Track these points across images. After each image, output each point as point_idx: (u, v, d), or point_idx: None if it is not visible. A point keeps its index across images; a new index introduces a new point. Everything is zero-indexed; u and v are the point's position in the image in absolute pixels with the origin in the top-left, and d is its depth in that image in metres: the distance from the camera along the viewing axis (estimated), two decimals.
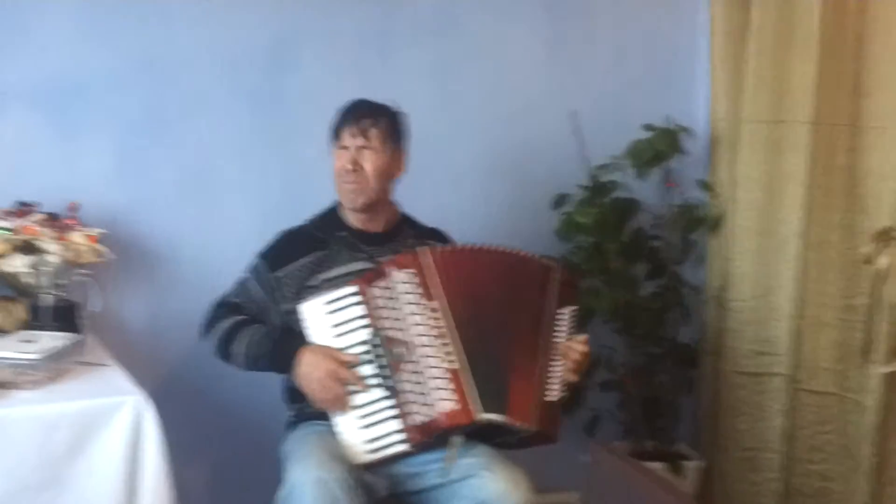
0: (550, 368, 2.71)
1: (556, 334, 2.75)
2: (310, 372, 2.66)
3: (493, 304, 2.74)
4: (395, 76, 3.53)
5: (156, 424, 2.40)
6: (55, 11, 3.13)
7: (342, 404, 2.65)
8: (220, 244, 3.32)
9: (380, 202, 2.92)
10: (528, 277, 2.81)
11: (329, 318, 2.69)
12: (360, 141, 2.85)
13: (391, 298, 2.67)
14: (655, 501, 2.12)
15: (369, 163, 2.85)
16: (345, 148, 2.86)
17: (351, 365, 2.65)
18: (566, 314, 2.78)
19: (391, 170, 2.90)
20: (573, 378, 2.74)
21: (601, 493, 2.32)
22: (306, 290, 2.79)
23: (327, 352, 2.67)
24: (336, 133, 2.90)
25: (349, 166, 2.84)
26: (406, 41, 3.57)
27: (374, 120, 2.88)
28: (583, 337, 2.78)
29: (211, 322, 2.87)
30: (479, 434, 2.68)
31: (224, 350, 2.82)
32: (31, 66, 3.12)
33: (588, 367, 2.80)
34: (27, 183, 3.06)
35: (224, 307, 2.89)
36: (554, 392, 2.69)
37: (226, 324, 2.83)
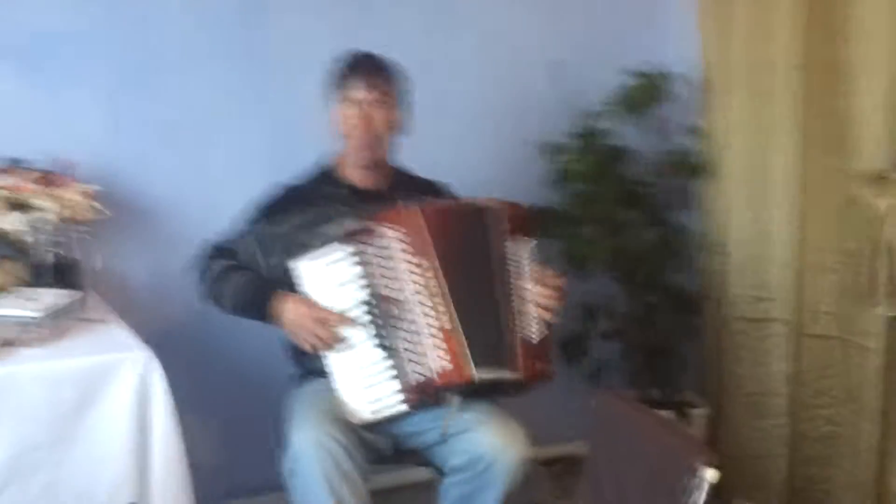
0: (523, 309, 2.69)
1: (517, 272, 2.71)
2: (294, 319, 2.66)
3: (470, 258, 2.71)
4: (376, 23, 3.50)
5: (162, 379, 2.39)
6: None
7: (331, 346, 2.64)
8: (216, 197, 3.28)
9: (383, 159, 2.89)
10: (477, 223, 2.74)
11: (325, 277, 2.66)
12: (374, 95, 2.81)
13: (384, 256, 2.64)
14: (662, 444, 2.11)
15: (383, 118, 2.82)
16: (353, 101, 2.81)
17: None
18: (515, 251, 2.74)
19: (400, 127, 2.88)
20: (548, 316, 2.71)
21: (608, 439, 2.31)
22: (300, 247, 2.74)
23: (309, 300, 2.66)
24: (342, 84, 2.84)
25: (361, 121, 2.80)
26: None
27: (389, 75, 2.85)
28: (549, 271, 2.75)
29: (201, 264, 2.86)
30: (477, 389, 2.66)
31: (211, 293, 2.82)
32: (10, 23, 3.09)
33: (563, 301, 2.77)
34: (20, 141, 3.01)
35: (216, 249, 2.87)
36: (534, 332, 2.68)
37: (216, 266, 2.82)
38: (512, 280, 2.70)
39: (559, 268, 2.81)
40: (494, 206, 2.75)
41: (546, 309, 2.71)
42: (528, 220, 2.81)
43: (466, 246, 2.71)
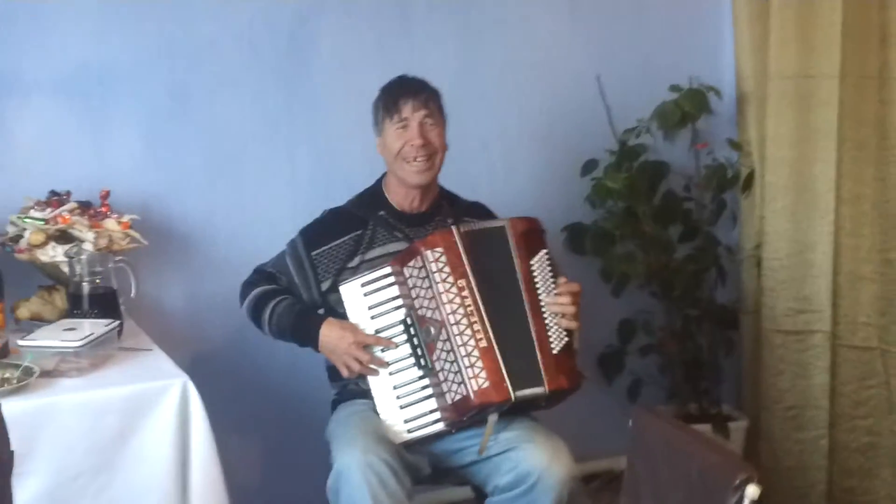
0: (548, 322, 2.68)
1: (537, 286, 2.70)
2: (333, 345, 2.69)
3: (499, 276, 2.70)
4: (417, 48, 3.50)
5: (201, 407, 2.40)
6: (76, 2, 3.11)
7: (370, 370, 2.67)
8: (252, 224, 3.32)
9: (434, 180, 2.90)
10: (498, 243, 2.73)
11: (365, 300, 2.70)
12: (423, 112, 2.80)
13: (423, 278, 2.65)
14: (702, 462, 2.09)
15: (435, 136, 2.82)
16: (405, 121, 2.80)
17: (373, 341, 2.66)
18: (538, 263, 2.73)
19: (446, 148, 2.88)
20: (569, 324, 2.69)
21: (646, 457, 2.29)
22: (346, 271, 2.79)
23: (346, 324, 2.70)
24: (392, 107, 2.82)
25: (419, 140, 2.79)
26: (427, 11, 3.53)
27: (430, 93, 2.85)
28: (561, 279, 2.73)
29: (246, 287, 2.88)
30: (513, 407, 2.66)
31: (254, 317, 2.84)
32: (54, 57, 3.11)
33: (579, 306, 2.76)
34: (58, 172, 3.06)
35: (259, 274, 2.89)
36: (559, 343, 2.66)
37: (258, 290, 2.84)
38: (535, 294, 2.70)
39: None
40: (510, 223, 2.76)
41: (565, 316, 2.70)
42: (538, 232, 2.81)
43: (495, 264, 2.71)
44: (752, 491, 1.88)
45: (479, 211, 3.01)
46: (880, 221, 3.46)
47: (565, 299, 2.70)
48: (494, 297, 2.65)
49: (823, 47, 3.54)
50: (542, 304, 2.69)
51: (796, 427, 3.64)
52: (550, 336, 2.66)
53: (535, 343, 2.64)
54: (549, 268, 2.74)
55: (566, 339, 2.68)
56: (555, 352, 2.65)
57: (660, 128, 3.69)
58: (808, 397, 3.60)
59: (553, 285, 2.71)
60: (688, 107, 3.65)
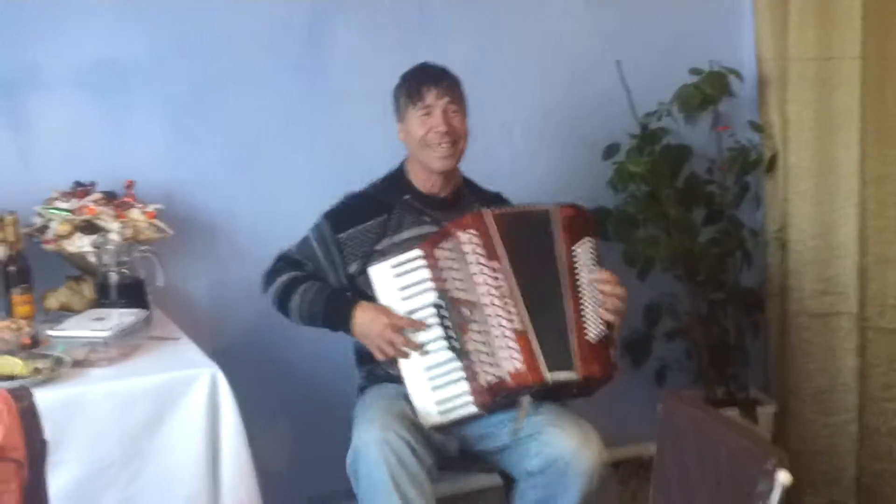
0: (582, 310, 2.68)
1: (576, 274, 2.71)
2: (367, 328, 2.68)
3: (537, 261, 2.71)
4: (436, 38, 3.49)
5: (231, 395, 2.41)
6: None
7: (404, 353, 2.66)
8: (274, 213, 3.31)
9: (456, 166, 2.90)
10: (540, 228, 2.75)
11: (396, 282, 2.69)
12: (446, 99, 2.81)
13: (456, 259, 2.66)
14: (732, 447, 2.09)
15: (458, 122, 2.84)
16: (428, 108, 2.81)
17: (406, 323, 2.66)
18: (580, 252, 2.73)
19: (467, 134, 2.88)
20: (610, 317, 2.70)
21: (675, 443, 2.29)
22: (374, 253, 2.80)
23: (380, 307, 2.69)
24: (415, 94, 2.83)
25: (443, 127, 2.80)
26: (444, 2, 3.52)
27: (452, 80, 2.86)
28: (606, 272, 2.74)
29: (270, 275, 2.88)
30: (546, 391, 2.66)
31: (281, 305, 2.83)
32: (75, 51, 3.11)
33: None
34: (81, 165, 3.06)
35: (284, 261, 2.89)
36: (593, 332, 2.66)
37: (284, 277, 2.84)
38: (576, 282, 2.70)
39: (619, 269, 2.80)
40: (557, 209, 2.77)
41: (608, 310, 2.70)
42: (588, 222, 2.82)
43: (534, 249, 2.72)
44: (783, 477, 1.86)
45: (501, 200, 3.01)
46: None
47: (610, 289, 2.70)
48: (530, 279, 2.66)
49: (844, 29, 3.53)
50: (584, 292, 2.69)
51: (825, 411, 3.64)
52: (586, 323, 2.66)
53: (570, 328, 2.64)
54: (592, 255, 2.74)
55: (604, 328, 2.68)
56: (589, 339, 2.65)
57: (681, 111, 3.66)
58: (837, 380, 3.59)
59: (598, 276, 2.72)
60: (709, 90, 3.63)
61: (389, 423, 2.53)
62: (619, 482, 3.70)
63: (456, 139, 2.82)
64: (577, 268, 2.71)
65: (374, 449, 2.48)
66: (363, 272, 2.76)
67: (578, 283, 2.70)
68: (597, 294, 2.70)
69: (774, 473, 1.88)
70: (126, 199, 2.97)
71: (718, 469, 2.06)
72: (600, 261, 2.76)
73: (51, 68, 3.09)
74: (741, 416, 3.58)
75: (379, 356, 2.70)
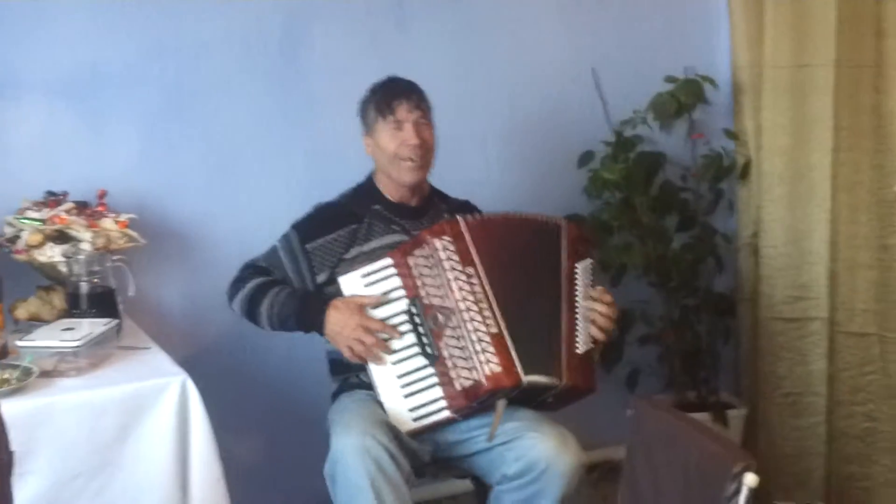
0: (576, 323, 2.71)
1: (575, 289, 2.74)
2: (339, 330, 2.67)
3: (521, 267, 2.73)
4: (411, 46, 3.50)
5: (200, 403, 2.41)
6: (71, 3, 3.11)
7: (376, 355, 2.66)
8: (249, 223, 3.30)
9: (426, 178, 2.92)
10: (545, 238, 2.79)
11: (367, 291, 2.69)
12: (417, 114, 2.84)
13: (431, 266, 2.67)
14: (701, 451, 2.10)
15: (428, 134, 2.86)
16: (399, 122, 2.83)
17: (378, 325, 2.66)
18: (581, 269, 2.77)
19: (435, 146, 2.91)
20: (600, 335, 2.74)
21: (645, 447, 2.30)
22: (343, 262, 2.80)
23: (352, 307, 2.68)
24: (385, 108, 2.84)
25: (415, 140, 2.82)
26: (420, 9, 3.53)
27: (421, 94, 2.88)
28: (600, 289, 2.78)
29: (237, 283, 2.87)
30: (519, 398, 2.68)
31: (250, 309, 2.82)
32: (50, 58, 3.11)
33: (619, 319, 2.79)
34: (55, 173, 3.05)
35: (251, 269, 2.89)
36: (581, 345, 2.69)
37: (252, 283, 2.83)
38: (574, 295, 2.73)
39: (598, 278, 2.82)
40: (568, 224, 2.82)
41: (600, 328, 2.74)
42: (586, 240, 2.86)
43: (517, 256, 2.74)
44: (750, 479, 1.88)
45: (470, 208, 3.02)
46: (877, 208, 3.46)
47: (603, 308, 2.75)
48: (512, 285, 2.68)
49: (818, 37, 3.54)
50: (575, 305, 2.72)
51: (794, 414, 3.66)
52: (576, 337, 2.69)
53: (556, 336, 2.67)
54: (590, 274, 2.79)
55: (591, 344, 2.72)
56: (578, 353, 2.68)
57: (656, 119, 3.70)
58: (807, 384, 3.61)
59: (592, 292, 2.76)
60: (683, 97, 3.67)
61: (367, 428, 2.52)
62: (590, 486, 3.70)
63: (426, 151, 2.85)
64: (577, 283, 2.74)
65: (352, 455, 2.47)
66: (332, 281, 2.76)
67: (576, 297, 2.73)
68: (589, 312, 2.73)
69: (742, 476, 1.89)
70: (98, 209, 2.96)
71: (687, 473, 2.07)
72: (594, 282, 2.79)
73: (25, 75, 3.09)
74: (712, 420, 3.60)
75: (348, 355, 2.69)
